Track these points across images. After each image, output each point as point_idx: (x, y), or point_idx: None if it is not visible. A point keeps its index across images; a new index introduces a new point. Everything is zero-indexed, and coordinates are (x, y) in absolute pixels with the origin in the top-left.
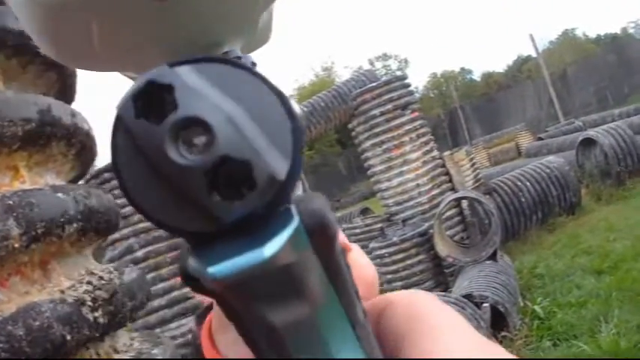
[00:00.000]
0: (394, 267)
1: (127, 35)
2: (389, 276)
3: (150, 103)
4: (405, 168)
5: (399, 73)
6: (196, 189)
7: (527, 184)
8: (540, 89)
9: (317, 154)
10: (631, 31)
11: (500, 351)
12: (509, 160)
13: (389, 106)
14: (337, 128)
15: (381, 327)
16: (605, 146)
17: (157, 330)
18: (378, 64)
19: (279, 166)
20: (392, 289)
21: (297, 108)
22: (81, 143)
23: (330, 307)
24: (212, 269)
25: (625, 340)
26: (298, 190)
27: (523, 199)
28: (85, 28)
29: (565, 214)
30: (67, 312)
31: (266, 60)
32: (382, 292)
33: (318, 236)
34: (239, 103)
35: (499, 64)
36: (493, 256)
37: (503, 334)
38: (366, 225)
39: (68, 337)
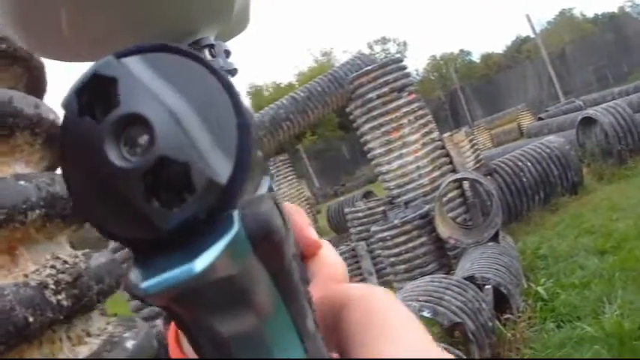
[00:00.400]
0: (396, 250)
1: (97, 23)
2: (392, 259)
3: (94, 97)
4: (404, 150)
5: (398, 56)
6: (133, 193)
7: (529, 164)
8: (540, 69)
9: (320, 139)
10: (628, 9)
11: (448, 356)
12: (512, 141)
13: (385, 89)
14: (339, 112)
15: (339, 327)
16: (605, 125)
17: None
18: (377, 48)
19: (220, 168)
20: (395, 273)
21: (246, 103)
22: (47, 133)
23: (277, 317)
24: (144, 284)
25: (629, 321)
26: (263, 189)
27: (525, 179)
28: (54, 15)
29: (567, 193)
30: (30, 295)
31: (265, 47)
32: (385, 275)
33: (263, 244)
34: (185, 96)
35: (498, 45)
36: (495, 238)
37: (506, 316)
38: (369, 208)
39: (31, 319)
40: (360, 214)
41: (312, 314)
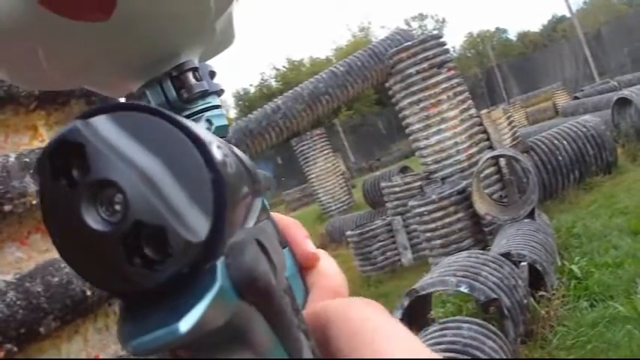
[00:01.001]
0: (433, 225)
1: (74, 56)
2: (428, 234)
3: (66, 161)
4: (442, 126)
5: (435, 32)
6: (114, 255)
7: (564, 142)
8: (576, 49)
9: (356, 114)
10: None
11: (437, 357)
12: (547, 119)
13: (425, 65)
14: (377, 88)
15: (327, 345)
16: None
17: None
18: (415, 24)
19: (197, 226)
20: (431, 248)
21: (219, 155)
22: (102, 101)
23: (274, 352)
24: (133, 344)
25: None
26: (255, 213)
27: (560, 158)
28: (32, 54)
29: (601, 173)
30: None
31: (304, 23)
32: (420, 250)
33: (249, 291)
34: (156, 155)
35: (534, 23)
36: (531, 215)
37: (540, 293)
38: (406, 183)
39: (89, 293)
40: (396, 189)
41: (308, 345)
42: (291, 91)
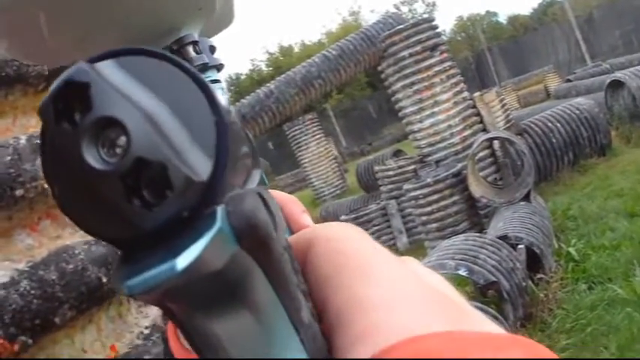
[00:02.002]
0: (429, 208)
1: (76, 25)
2: (424, 217)
3: (70, 103)
4: (436, 109)
5: (425, 16)
6: (114, 195)
7: (558, 125)
8: (567, 32)
9: (347, 98)
10: None
11: (437, 277)
12: (539, 102)
13: (417, 48)
14: (368, 72)
15: (307, 270)
16: (633, 88)
17: None
18: (404, 9)
19: (200, 166)
20: (427, 231)
21: (222, 99)
22: None
23: (271, 311)
24: (127, 283)
25: None
26: (253, 183)
27: (554, 140)
28: (34, 22)
29: (596, 155)
30: (103, 253)
31: (293, 6)
32: (416, 234)
33: (248, 239)
34: (161, 97)
35: (524, 6)
36: (527, 197)
37: (539, 276)
38: (399, 167)
39: (104, 280)
40: (390, 173)
41: (306, 305)
42: (283, 75)
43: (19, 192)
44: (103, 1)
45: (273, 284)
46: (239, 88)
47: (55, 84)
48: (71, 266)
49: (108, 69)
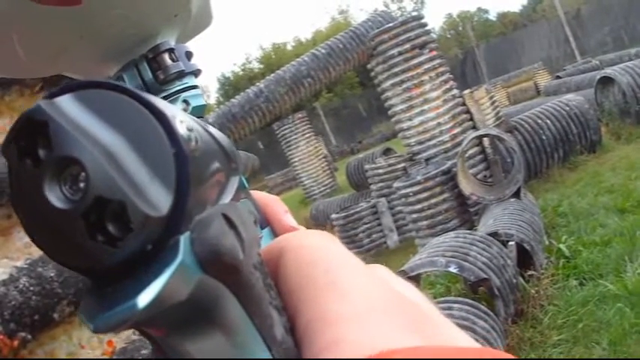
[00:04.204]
0: (419, 206)
1: (50, 42)
2: (414, 215)
3: (31, 141)
4: (425, 107)
5: (414, 14)
6: (76, 233)
7: (548, 121)
8: (556, 29)
9: (336, 97)
10: None
11: (406, 285)
12: (529, 99)
13: (407, 46)
14: (357, 70)
15: (279, 280)
16: (623, 85)
17: None
18: (393, 7)
19: (159, 200)
20: (417, 229)
21: (182, 129)
22: None
23: (243, 331)
24: (93, 324)
25: None
26: (231, 191)
27: (544, 137)
28: (7, 41)
29: (586, 152)
30: None
31: (283, 6)
32: (407, 231)
33: (213, 266)
34: (119, 132)
35: (514, 3)
36: (517, 194)
37: (529, 273)
38: (389, 165)
39: None
40: (380, 171)
41: (280, 320)
42: (273, 74)
43: None
44: (76, 14)
45: (243, 304)
46: (229, 86)
47: (15, 123)
48: None
49: (65, 104)
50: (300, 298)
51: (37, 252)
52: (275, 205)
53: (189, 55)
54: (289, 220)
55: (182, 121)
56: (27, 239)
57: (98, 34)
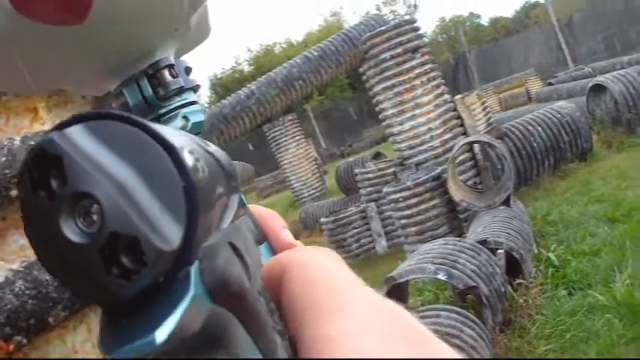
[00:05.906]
0: (408, 212)
1: (51, 59)
2: (403, 221)
3: (45, 172)
4: (416, 112)
5: (407, 18)
6: (91, 267)
7: (539, 129)
8: (549, 35)
9: (327, 100)
10: None
11: (401, 310)
12: (520, 105)
13: (399, 50)
14: (349, 73)
15: (281, 299)
16: (615, 93)
17: None
18: (386, 10)
19: (170, 234)
20: (406, 235)
21: (190, 161)
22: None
23: (249, 355)
24: (112, 355)
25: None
26: (232, 211)
27: (535, 144)
28: (10, 59)
29: (577, 160)
30: None
31: (275, 7)
32: (395, 237)
33: (222, 295)
34: (130, 164)
35: (507, 9)
36: (507, 202)
37: (518, 281)
38: (379, 169)
39: None
40: (370, 175)
41: (282, 345)
42: (264, 76)
43: (13, 192)
44: (78, 32)
45: (249, 330)
46: (220, 87)
47: (28, 155)
48: None
49: (77, 135)
50: (303, 321)
51: (32, 254)
52: (273, 220)
53: (188, 70)
54: (287, 236)
55: (191, 152)
56: (23, 242)
57: (100, 50)
